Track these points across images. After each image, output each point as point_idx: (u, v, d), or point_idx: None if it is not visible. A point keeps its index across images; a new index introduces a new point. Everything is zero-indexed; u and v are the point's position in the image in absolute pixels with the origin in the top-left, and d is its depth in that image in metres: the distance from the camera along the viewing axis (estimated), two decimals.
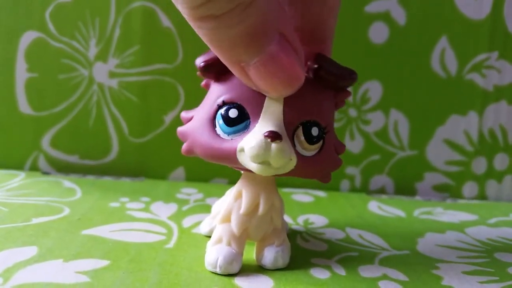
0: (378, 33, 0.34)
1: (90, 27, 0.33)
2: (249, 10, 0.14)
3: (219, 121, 0.18)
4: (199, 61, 0.18)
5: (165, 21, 0.33)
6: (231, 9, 0.14)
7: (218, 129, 0.18)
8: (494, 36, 0.34)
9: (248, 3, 0.14)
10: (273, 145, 0.16)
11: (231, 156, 0.17)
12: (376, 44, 0.34)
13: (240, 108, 0.17)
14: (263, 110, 0.17)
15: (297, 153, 0.17)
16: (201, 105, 0.19)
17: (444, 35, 0.34)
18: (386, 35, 0.34)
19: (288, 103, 0.17)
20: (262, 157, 0.16)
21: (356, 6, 0.33)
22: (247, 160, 0.17)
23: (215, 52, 0.16)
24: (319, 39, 0.19)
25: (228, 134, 0.17)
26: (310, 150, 0.18)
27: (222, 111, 0.18)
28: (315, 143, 0.18)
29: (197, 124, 0.18)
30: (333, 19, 0.19)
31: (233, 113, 0.17)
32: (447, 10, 0.34)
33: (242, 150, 0.17)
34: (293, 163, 0.17)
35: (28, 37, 0.32)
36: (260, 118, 0.17)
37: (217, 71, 0.18)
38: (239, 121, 0.17)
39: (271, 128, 0.17)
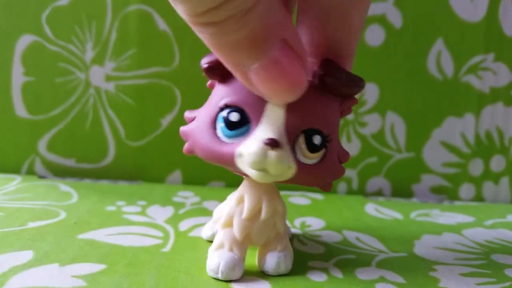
0: (374, 36, 0.34)
1: (86, 30, 0.33)
2: (249, 17, 0.14)
3: (220, 124, 0.17)
4: (203, 62, 0.18)
5: (162, 24, 0.33)
6: (230, 16, 0.14)
7: (219, 131, 0.17)
8: (490, 38, 0.34)
9: (247, 9, 0.14)
10: (272, 152, 0.16)
11: (229, 161, 0.17)
12: (372, 47, 0.34)
13: (241, 111, 0.17)
14: (264, 114, 0.17)
15: (297, 160, 0.17)
16: (205, 105, 0.19)
17: (440, 37, 0.34)
18: (382, 37, 0.34)
19: (291, 109, 0.17)
20: (260, 164, 0.16)
21: None
22: (245, 165, 0.17)
23: (217, 55, 0.16)
24: (336, 57, 0.18)
25: (229, 137, 0.17)
26: (311, 158, 0.17)
27: (223, 114, 0.17)
28: (316, 151, 0.17)
29: (199, 125, 0.18)
30: (353, 39, 0.18)
31: (234, 116, 0.17)
32: (443, 13, 0.34)
33: (240, 155, 0.17)
34: (292, 170, 0.17)
35: (24, 41, 0.32)
36: (261, 123, 0.17)
37: (221, 72, 0.17)
38: (240, 125, 0.17)
39: (271, 134, 0.16)
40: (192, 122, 0.19)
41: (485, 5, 0.34)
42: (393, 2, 0.34)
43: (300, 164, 0.17)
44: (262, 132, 0.17)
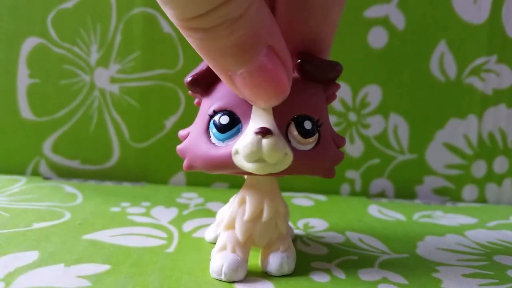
0: (377, 38, 0.34)
1: (91, 33, 0.33)
2: (237, 24, 0.15)
3: (213, 130, 0.18)
4: (187, 77, 0.19)
5: (166, 27, 0.33)
6: (219, 23, 0.14)
7: (212, 138, 0.18)
8: (493, 40, 0.34)
9: (236, 17, 0.14)
10: (264, 140, 0.16)
11: (227, 161, 0.17)
12: (375, 49, 0.34)
13: (230, 113, 0.18)
14: (252, 111, 0.17)
15: (293, 148, 0.17)
16: (195, 121, 0.19)
17: (443, 39, 0.34)
18: (385, 39, 0.34)
19: None
20: (255, 155, 0.16)
21: (355, 11, 0.34)
22: (242, 161, 0.17)
23: (204, 59, 0.16)
24: (318, 52, 0.19)
25: (223, 140, 0.18)
26: (306, 144, 0.18)
27: (214, 119, 0.18)
28: (309, 136, 0.18)
29: (193, 139, 0.18)
30: (332, 34, 0.19)
31: (224, 119, 0.18)
32: (446, 15, 0.34)
33: (236, 152, 0.17)
34: (289, 158, 0.17)
35: (29, 43, 0.33)
36: (250, 119, 0.17)
37: (204, 84, 0.18)
38: (231, 126, 0.17)
39: (261, 124, 0.17)
40: (186, 139, 0.19)
41: (488, 7, 0.34)
42: (396, 4, 0.34)
43: (296, 152, 0.17)
44: (253, 126, 0.17)
